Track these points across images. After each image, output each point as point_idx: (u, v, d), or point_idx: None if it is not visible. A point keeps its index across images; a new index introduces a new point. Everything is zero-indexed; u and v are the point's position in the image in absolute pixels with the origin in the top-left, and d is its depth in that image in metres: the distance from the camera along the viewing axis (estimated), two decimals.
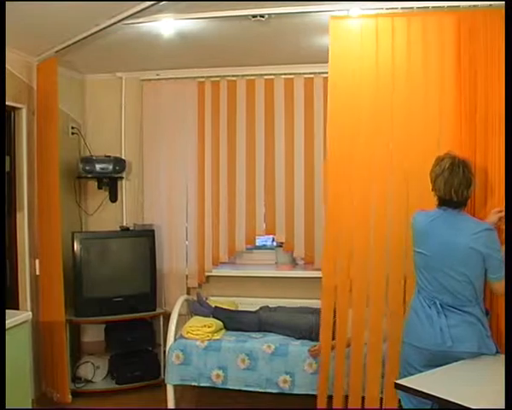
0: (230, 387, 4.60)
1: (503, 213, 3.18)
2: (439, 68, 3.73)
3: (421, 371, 3.09)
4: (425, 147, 3.72)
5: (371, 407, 3.90)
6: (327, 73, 3.94)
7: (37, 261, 5.01)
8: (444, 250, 3.16)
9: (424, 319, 3.18)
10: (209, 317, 5.03)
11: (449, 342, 3.08)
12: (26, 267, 4.96)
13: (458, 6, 3.68)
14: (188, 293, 5.77)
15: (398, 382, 2.96)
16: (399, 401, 3.52)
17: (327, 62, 3.88)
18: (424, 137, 3.76)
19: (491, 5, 3.60)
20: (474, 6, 3.67)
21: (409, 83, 3.78)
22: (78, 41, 4.43)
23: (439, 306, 3.16)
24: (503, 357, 3.14)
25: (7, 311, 3.60)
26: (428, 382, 2.86)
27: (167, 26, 4.21)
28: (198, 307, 5.22)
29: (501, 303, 3.43)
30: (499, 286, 3.12)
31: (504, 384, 2.09)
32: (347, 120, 3.89)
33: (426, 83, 3.76)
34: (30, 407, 3.85)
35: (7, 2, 3.44)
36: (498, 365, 2.98)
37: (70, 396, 4.96)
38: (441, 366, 3.03)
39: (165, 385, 4.73)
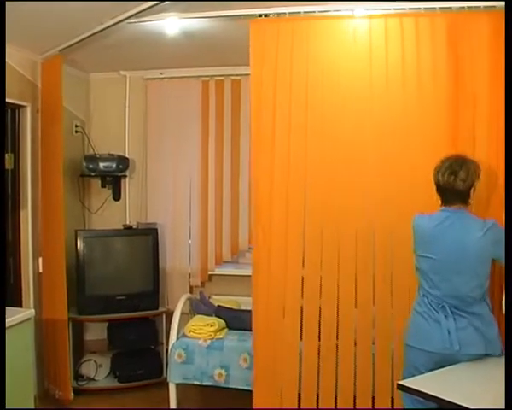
0: (233, 386, 4.58)
1: None
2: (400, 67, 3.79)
3: None
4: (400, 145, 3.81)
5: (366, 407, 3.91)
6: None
7: (40, 259, 5.01)
8: (454, 253, 3.13)
9: (432, 323, 3.15)
10: (212, 316, 5.02)
11: (456, 346, 3.06)
12: (29, 265, 4.97)
13: (450, 7, 3.69)
14: (190, 292, 5.77)
15: (400, 383, 2.96)
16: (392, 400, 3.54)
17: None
18: (394, 136, 3.82)
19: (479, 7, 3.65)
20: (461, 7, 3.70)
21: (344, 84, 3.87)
22: (83, 39, 4.43)
23: (448, 309, 3.12)
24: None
25: (10, 308, 3.61)
26: (430, 383, 2.86)
27: (171, 24, 4.21)
28: (200, 306, 5.23)
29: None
30: None
31: (504, 384, 2.09)
32: (270, 122, 3.96)
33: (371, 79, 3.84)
34: (32, 408, 3.86)
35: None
36: (501, 366, 2.96)
37: (72, 394, 4.97)
38: None
39: (168, 384, 4.73)
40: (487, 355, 3.14)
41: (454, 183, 3.17)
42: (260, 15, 3.94)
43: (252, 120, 4.00)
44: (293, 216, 3.96)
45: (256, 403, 4.02)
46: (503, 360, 3.06)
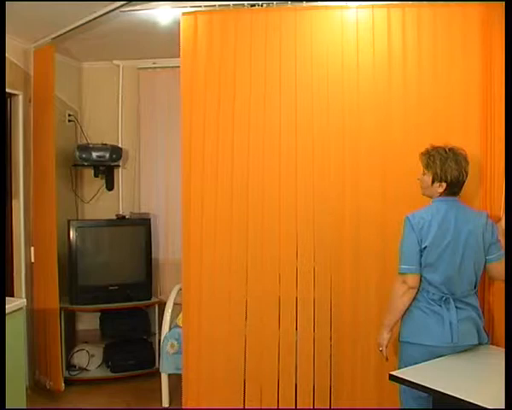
0: None
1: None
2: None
3: None
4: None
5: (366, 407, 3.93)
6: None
7: (32, 249, 5.00)
8: (456, 241, 3.12)
9: (433, 316, 3.13)
10: None
11: (456, 338, 3.07)
12: (21, 254, 4.96)
13: None
14: None
15: (393, 373, 2.94)
16: None
17: None
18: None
19: None
20: None
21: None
22: (75, 28, 4.43)
23: (451, 301, 3.12)
24: (493, 348, 3.26)
25: None
26: (423, 374, 2.85)
27: (164, 14, 4.19)
28: None
29: (493, 293, 3.54)
30: (499, 265, 3.18)
31: (504, 385, 2.09)
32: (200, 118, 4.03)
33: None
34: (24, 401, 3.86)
35: None
36: (491, 356, 3.10)
37: (63, 384, 4.95)
38: None
39: (160, 374, 4.74)
40: (479, 345, 3.18)
41: (459, 174, 3.18)
42: (253, 5, 3.95)
43: (182, 113, 4.07)
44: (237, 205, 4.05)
45: (185, 387, 4.12)
46: (493, 349, 3.19)
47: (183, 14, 3.98)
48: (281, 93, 3.94)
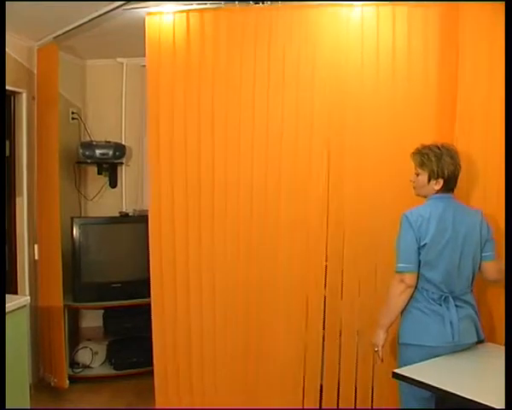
0: None
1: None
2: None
3: None
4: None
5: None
6: None
7: (35, 246, 5.00)
8: (455, 238, 3.11)
9: (433, 316, 3.11)
10: None
11: (456, 337, 3.05)
12: (24, 252, 4.96)
13: None
14: None
15: (396, 371, 2.94)
16: None
17: None
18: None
19: None
20: None
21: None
22: (79, 26, 4.42)
23: (451, 300, 3.11)
24: (491, 345, 3.29)
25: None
26: (426, 373, 2.84)
27: (168, 10, 4.18)
28: None
29: (491, 291, 3.54)
30: (493, 265, 3.21)
31: (505, 385, 2.08)
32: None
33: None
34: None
35: None
36: (491, 354, 3.15)
37: (67, 381, 4.97)
38: None
39: None
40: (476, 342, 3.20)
41: (454, 168, 3.18)
42: (257, 2, 3.96)
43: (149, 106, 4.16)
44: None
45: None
46: (491, 346, 3.24)
47: (148, 14, 4.06)
48: (268, 93, 3.98)
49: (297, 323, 4.03)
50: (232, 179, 4.05)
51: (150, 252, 4.21)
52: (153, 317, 4.24)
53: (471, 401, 2.47)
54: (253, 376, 4.13)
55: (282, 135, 3.96)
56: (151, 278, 4.22)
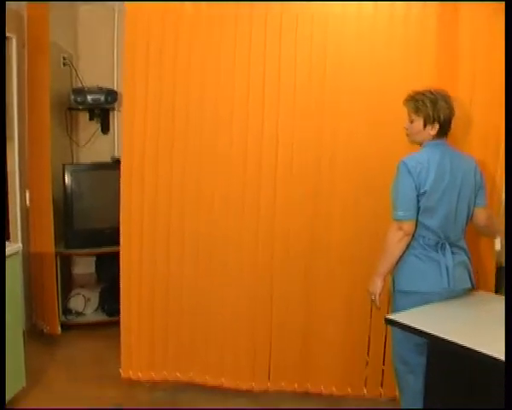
0: None
1: None
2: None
3: None
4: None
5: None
6: None
7: (27, 192, 4.97)
8: (453, 183, 3.11)
9: (428, 262, 3.12)
10: None
11: (452, 283, 3.08)
12: (16, 198, 4.93)
13: None
14: None
15: (388, 317, 2.96)
16: None
17: None
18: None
19: None
20: None
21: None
22: None
23: (447, 245, 3.12)
24: (484, 293, 3.38)
25: None
26: (420, 320, 2.84)
27: None
28: None
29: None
30: (483, 211, 3.28)
31: (505, 385, 2.09)
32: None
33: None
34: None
35: None
36: (485, 301, 3.19)
37: (59, 328, 5.01)
38: None
39: None
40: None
41: (449, 111, 3.17)
42: None
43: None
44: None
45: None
46: (484, 294, 3.32)
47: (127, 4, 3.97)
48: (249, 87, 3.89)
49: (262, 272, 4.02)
50: (211, 118, 3.95)
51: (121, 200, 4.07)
52: (121, 266, 4.09)
53: (465, 347, 2.47)
54: (220, 328, 4.08)
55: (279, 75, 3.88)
56: (120, 227, 4.07)
